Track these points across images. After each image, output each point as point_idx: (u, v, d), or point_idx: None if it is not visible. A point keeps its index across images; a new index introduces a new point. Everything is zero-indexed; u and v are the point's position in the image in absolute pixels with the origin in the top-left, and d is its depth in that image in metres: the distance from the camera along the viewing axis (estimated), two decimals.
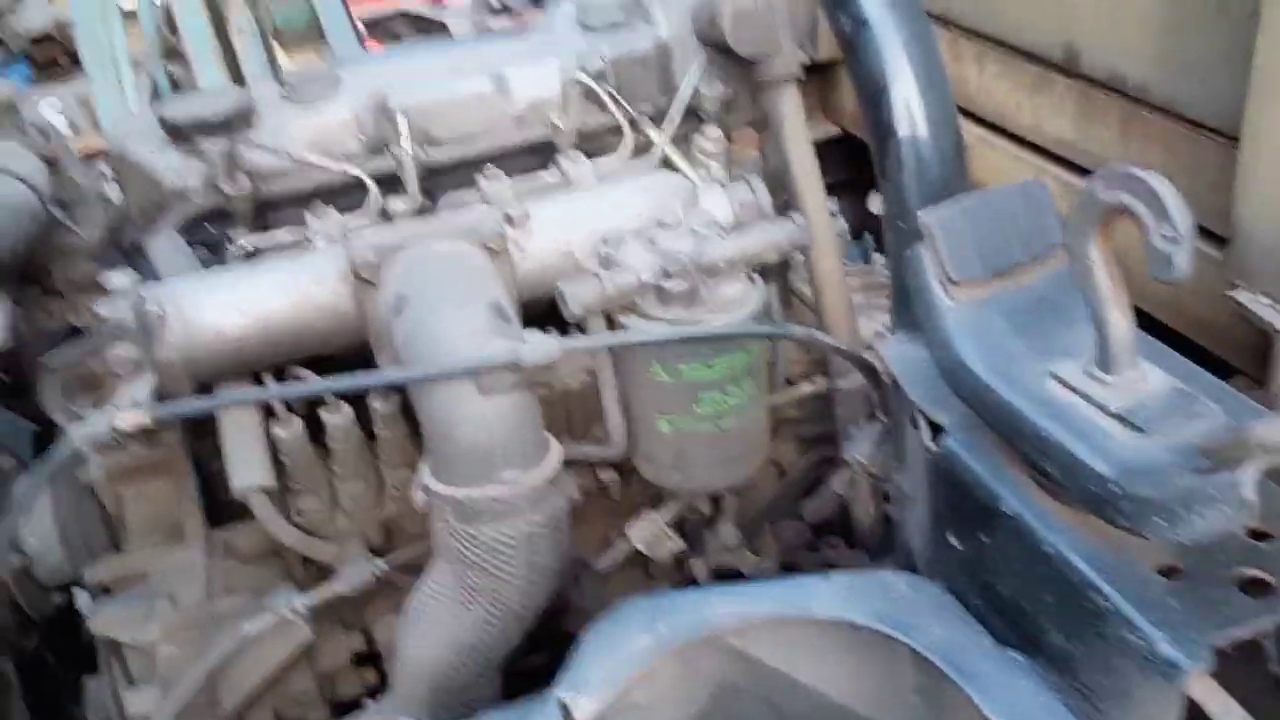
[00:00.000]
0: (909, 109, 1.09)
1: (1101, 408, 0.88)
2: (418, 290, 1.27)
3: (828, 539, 1.75)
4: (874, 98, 1.11)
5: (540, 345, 1.16)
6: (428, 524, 1.53)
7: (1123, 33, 1.58)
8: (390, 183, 1.56)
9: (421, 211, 1.52)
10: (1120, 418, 0.87)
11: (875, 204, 2.44)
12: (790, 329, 1.32)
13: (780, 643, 1.13)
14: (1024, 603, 0.96)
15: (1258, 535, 0.90)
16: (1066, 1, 1.67)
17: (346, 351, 1.40)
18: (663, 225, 1.37)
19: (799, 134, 1.64)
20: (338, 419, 1.43)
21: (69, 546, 1.62)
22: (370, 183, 1.53)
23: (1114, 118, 1.64)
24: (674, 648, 1.10)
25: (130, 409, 1.22)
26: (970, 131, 1.97)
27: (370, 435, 1.48)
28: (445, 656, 1.29)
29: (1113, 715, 0.88)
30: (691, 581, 1.63)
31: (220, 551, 1.56)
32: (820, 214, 1.64)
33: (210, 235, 1.59)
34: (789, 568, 1.73)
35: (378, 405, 1.45)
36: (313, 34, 3.98)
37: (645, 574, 1.64)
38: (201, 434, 1.54)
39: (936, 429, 1.06)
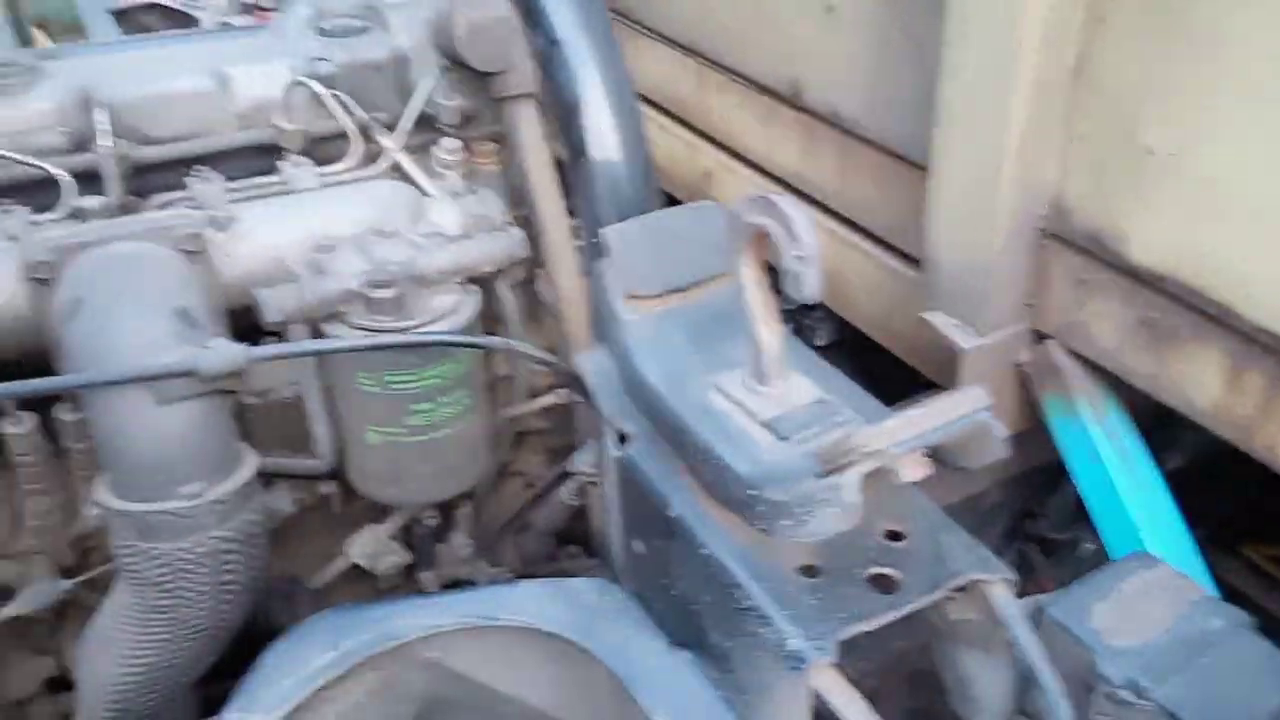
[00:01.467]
0: (600, 130, 1.12)
1: (753, 416, 0.93)
2: (93, 292, 1.19)
3: (567, 548, 1.77)
4: (566, 118, 1.13)
5: (223, 352, 1.11)
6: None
7: (838, 71, 1.69)
8: (96, 181, 1.46)
9: (124, 211, 1.43)
10: (767, 425, 0.92)
11: None
12: (490, 340, 1.32)
13: (475, 652, 1.13)
14: (691, 603, 1.00)
15: (894, 536, 0.97)
16: (792, 40, 1.77)
17: (25, 358, 1.29)
18: (379, 233, 1.35)
19: (537, 149, 1.66)
20: (19, 430, 1.32)
21: None
22: (64, 178, 1.43)
23: (833, 150, 1.75)
24: (359, 662, 1.07)
25: None
26: (713, 157, 2.06)
27: (58, 448, 1.38)
28: (130, 679, 1.22)
29: (757, 708, 0.92)
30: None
31: None
32: (558, 228, 1.66)
33: None
34: (528, 578, 1.74)
35: (64, 415, 1.35)
36: (79, 25, 3.73)
37: (374, 590, 1.60)
38: None
39: (623, 438, 1.08)
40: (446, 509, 1.57)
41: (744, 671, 0.94)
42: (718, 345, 1.04)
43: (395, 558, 1.50)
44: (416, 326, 1.26)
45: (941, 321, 1.53)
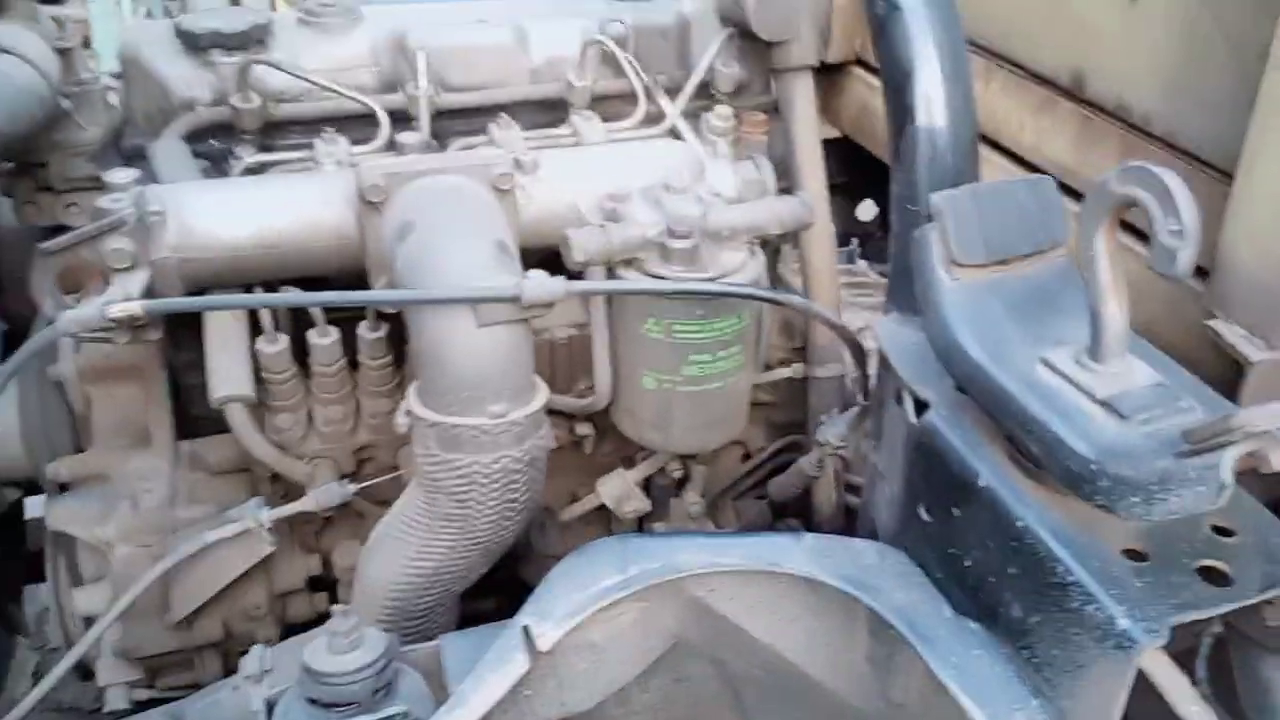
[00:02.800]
0: (930, 97, 1.12)
1: (1088, 394, 0.92)
2: (424, 218, 1.28)
3: (786, 520, 1.78)
4: (898, 83, 1.14)
5: (544, 282, 1.17)
6: (399, 456, 1.54)
7: (1133, 64, 1.62)
8: (398, 121, 1.56)
9: (430, 150, 1.52)
10: (1104, 404, 0.90)
11: (865, 211, 2.49)
12: (790, 297, 1.35)
13: (743, 596, 1.16)
14: (987, 574, 0.99)
15: (1222, 531, 0.94)
16: (1080, 29, 1.72)
17: (339, 275, 1.40)
18: (669, 188, 1.39)
19: (808, 122, 1.67)
20: (324, 342, 1.43)
21: (29, 442, 1.60)
22: (383, 114, 1.54)
23: (1114, 145, 1.69)
24: (641, 590, 1.12)
25: (123, 300, 1.21)
26: None
27: (353, 363, 1.49)
28: (408, 580, 1.30)
29: (1064, 686, 0.91)
30: None
31: (186, 462, 1.55)
32: (820, 202, 1.68)
33: (212, 149, 1.58)
34: None
35: (364, 332, 1.45)
36: None
37: (606, 532, 1.66)
38: (180, 345, 1.53)
39: (920, 406, 1.09)
40: (686, 465, 1.61)
41: (1048, 647, 0.93)
42: (1040, 320, 1.03)
43: (638, 504, 1.55)
44: (708, 280, 1.29)
45: (1229, 331, 1.46)
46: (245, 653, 1.57)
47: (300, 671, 1.05)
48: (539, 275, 1.19)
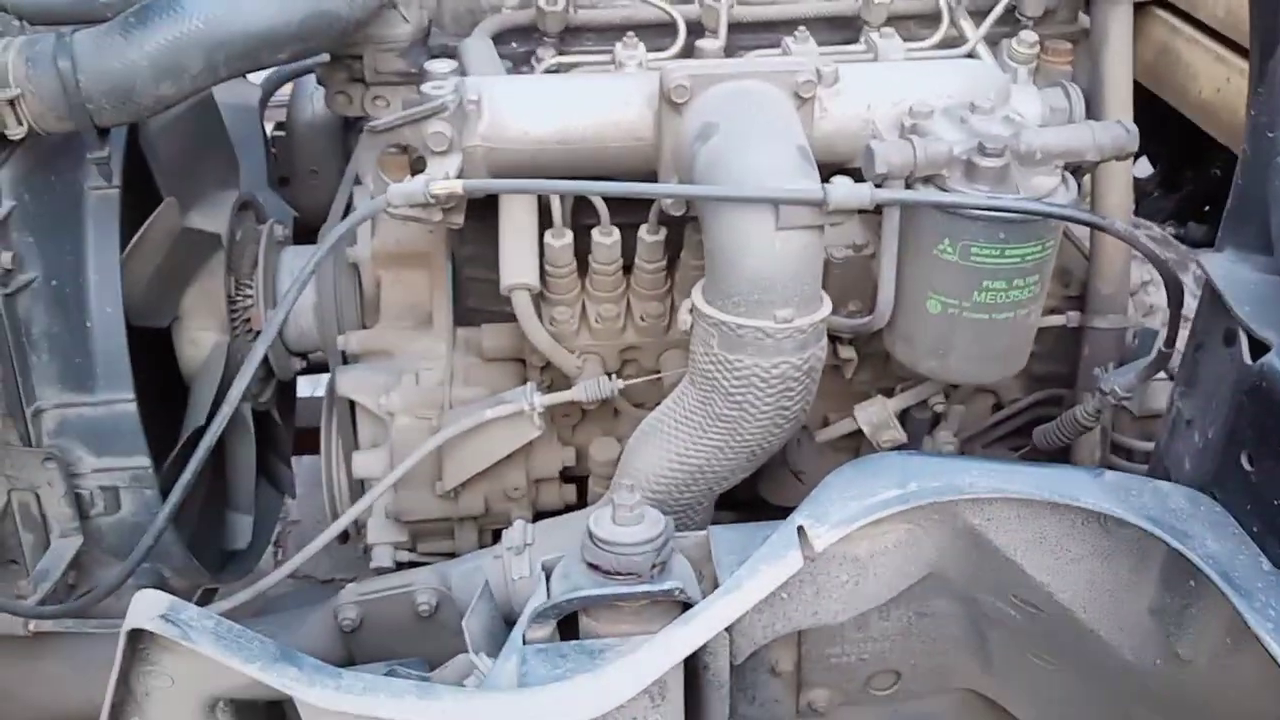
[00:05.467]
0: None
1: None
2: (727, 120, 1.28)
3: None
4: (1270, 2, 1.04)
5: (850, 188, 1.16)
6: (661, 359, 1.57)
7: None
8: (690, 32, 1.57)
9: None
10: None
11: (1139, 169, 2.31)
12: (1113, 223, 1.27)
13: (1023, 529, 1.12)
14: None
15: None
16: None
17: (629, 176, 1.43)
18: (974, 108, 1.33)
19: (1122, 56, 1.57)
20: (607, 240, 1.47)
21: (321, 316, 1.74)
22: (681, 22, 1.55)
23: None
24: (915, 509, 1.10)
25: (444, 179, 1.29)
26: None
27: (625, 267, 1.53)
28: (673, 474, 1.33)
29: None
30: None
31: (463, 347, 1.64)
32: None
33: (513, 51, 1.65)
34: None
35: (644, 235, 1.48)
36: None
37: (854, 457, 1.63)
38: (464, 239, 1.62)
39: (1258, 348, 1.00)
40: (948, 401, 1.57)
41: None
42: None
43: (895, 434, 1.52)
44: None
45: None
46: (498, 529, 1.68)
47: (584, 537, 1.10)
48: (844, 180, 1.17)
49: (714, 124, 1.28)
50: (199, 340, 1.70)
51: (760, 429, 1.26)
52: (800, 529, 1.08)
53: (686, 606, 1.09)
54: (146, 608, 1.07)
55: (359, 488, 1.70)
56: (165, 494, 1.46)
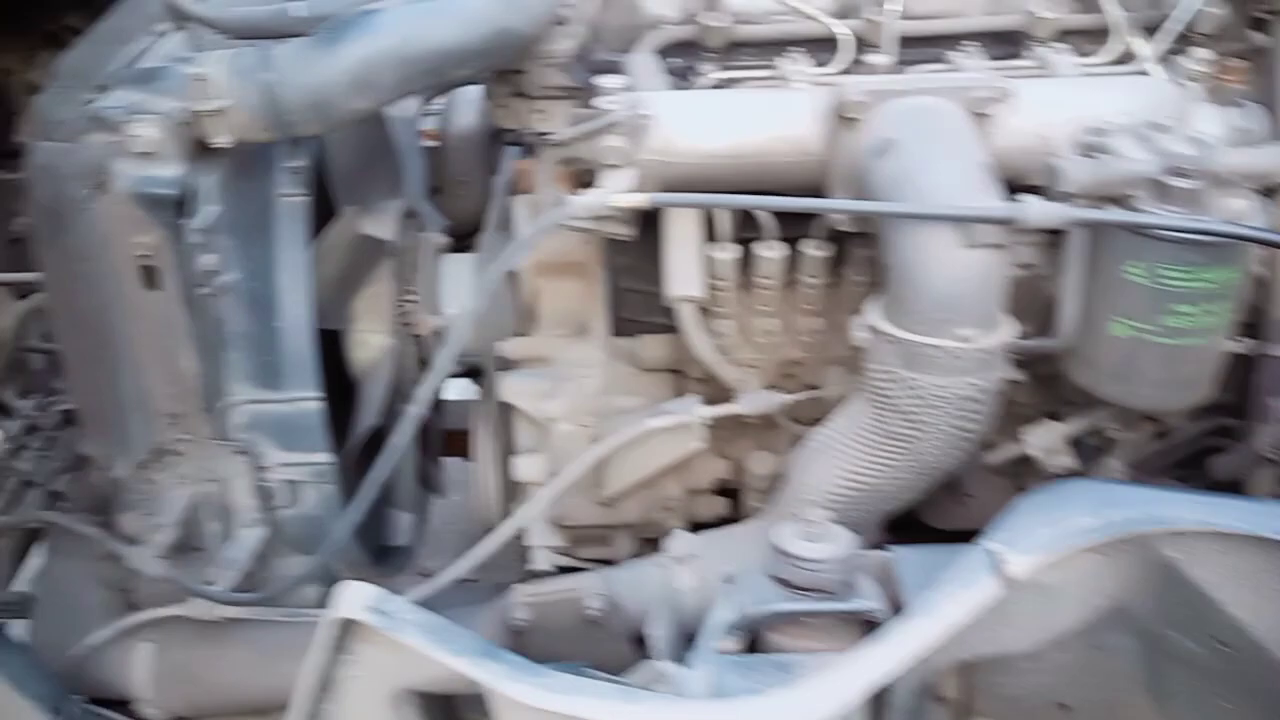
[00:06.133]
0: None
1: None
2: (907, 136, 1.29)
3: None
4: None
5: (1043, 208, 1.15)
6: (821, 375, 1.58)
7: None
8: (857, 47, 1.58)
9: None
10: None
11: None
12: None
13: (1223, 563, 1.09)
14: None
15: None
16: None
17: (795, 191, 1.44)
18: (1157, 127, 1.31)
19: None
20: (773, 255, 1.49)
21: (480, 323, 1.79)
22: (848, 38, 1.56)
23: None
24: (1114, 537, 1.08)
25: (625, 193, 1.32)
26: None
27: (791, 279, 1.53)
28: (843, 492, 1.34)
29: None
30: None
31: (618, 356, 1.68)
32: None
33: (673, 65, 1.67)
34: None
35: (810, 251, 1.49)
36: None
37: (1015, 483, 1.62)
38: (620, 250, 1.65)
39: None
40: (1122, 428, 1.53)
41: None
42: None
43: (1066, 460, 1.50)
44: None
45: None
46: (651, 537, 1.71)
47: (770, 552, 1.12)
48: (1034, 200, 1.17)
49: (893, 140, 1.29)
50: (368, 342, 1.78)
51: (937, 450, 1.26)
52: (994, 554, 1.07)
53: (871, 625, 1.10)
54: (355, 599, 1.13)
55: (513, 491, 1.75)
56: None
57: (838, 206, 1.34)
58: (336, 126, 1.43)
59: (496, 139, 2.13)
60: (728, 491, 1.69)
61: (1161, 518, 1.07)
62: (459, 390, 2.38)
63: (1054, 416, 1.52)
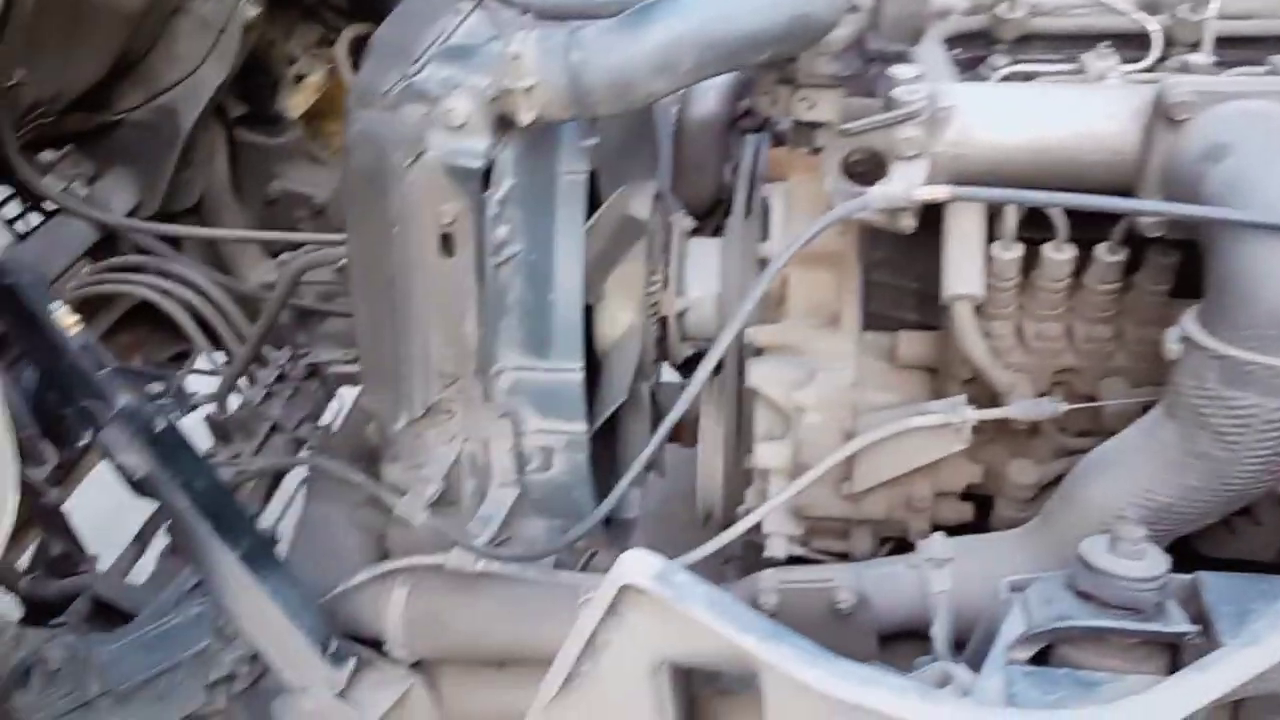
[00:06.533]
0: None
1: None
2: (1244, 141, 1.21)
3: None
4: None
5: None
6: (1099, 385, 1.51)
7: None
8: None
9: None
10: None
11: None
12: None
13: None
14: None
15: None
16: None
17: (1098, 191, 1.37)
18: None
19: None
20: (1060, 257, 1.43)
21: (721, 306, 1.80)
22: (1157, 34, 1.48)
23: None
24: None
25: (927, 186, 1.30)
26: None
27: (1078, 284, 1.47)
28: (1133, 509, 1.27)
29: None
30: None
31: (871, 351, 1.65)
32: None
33: (958, 57, 1.63)
34: None
35: (1102, 254, 1.43)
36: None
37: None
38: (875, 244, 1.62)
39: None
40: None
41: None
42: None
43: None
44: None
45: None
46: (890, 537, 1.68)
47: (1076, 565, 1.07)
48: None
49: (1227, 145, 1.21)
50: (617, 320, 1.81)
51: (1249, 473, 1.18)
52: None
53: (1174, 650, 1.05)
54: (639, 566, 1.15)
55: (741, 478, 1.75)
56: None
57: (1162, 209, 1.27)
58: (634, 107, 1.45)
59: (734, 125, 2.14)
60: (974, 498, 1.64)
61: None
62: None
63: None
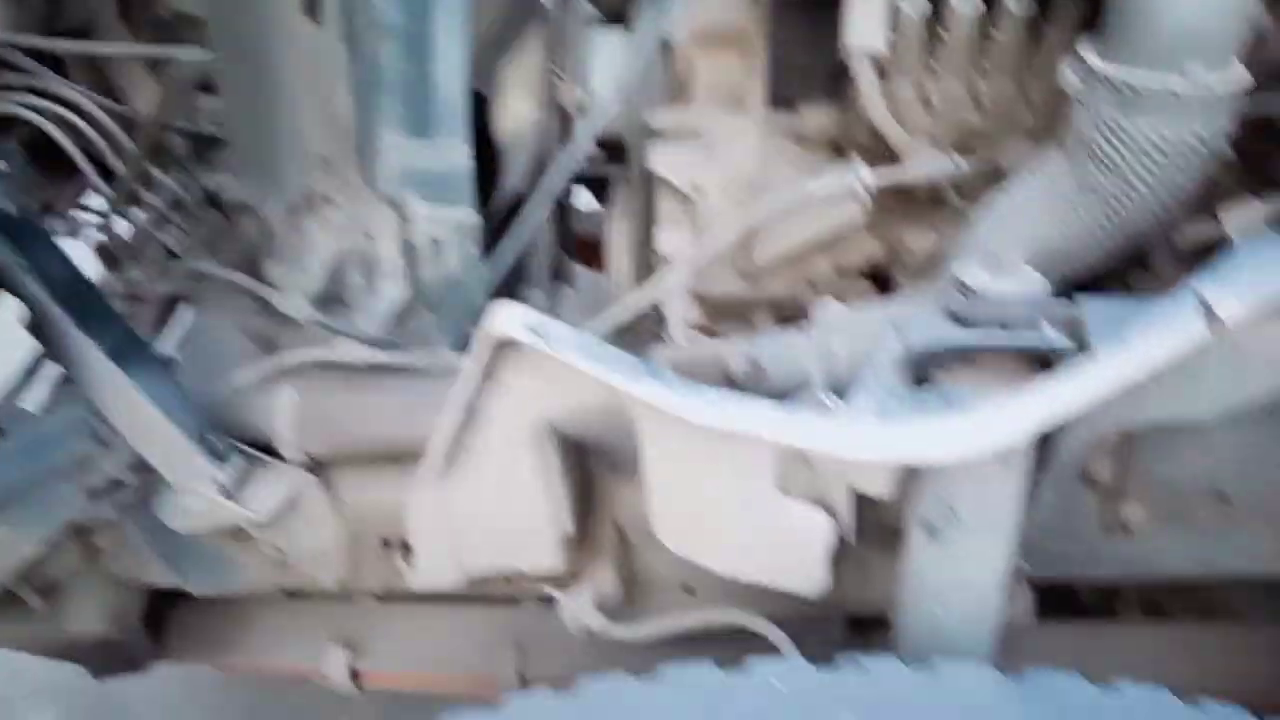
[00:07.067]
0: None
1: None
2: None
3: None
4: None
5: None
6: (1003, 149, 1.45)
7: None
8: None
9: None
10: None
11: None
12: None
13: None
14: None
15: None
16: None
17: None
18: None
19: None
20: (965, 8, 1.36)
21: (627, 98, 1.71)
22: None
23: None
24: None
25: None
26: None
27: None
28: (1025, 256, 1.24)
29: None
30: None
31: (775, 130, 1.59)
32: None
33: None
34: None
35: (1011, 6, 1.36)
36: None
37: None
38: (784, 20, 1.54)
39: None
40: None
41: None
42: None
43: None
44: None
45: None
46: (793, 318, 1.64)
47: (947, 286, 1.04)
48: None
49: None
50: (516, 113, 1.72)
51: (1142, 210, 1.15)
52: (1204, 298, 0.97)
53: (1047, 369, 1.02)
54: (510, 318, 1.10)
55: (649, 269, 1.70)
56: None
57: None
58: None
59: None
60: (877, 278, 1.60)
61: None
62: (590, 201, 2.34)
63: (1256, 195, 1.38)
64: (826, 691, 0.91)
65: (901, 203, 1.52)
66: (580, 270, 2.23)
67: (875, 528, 1.13)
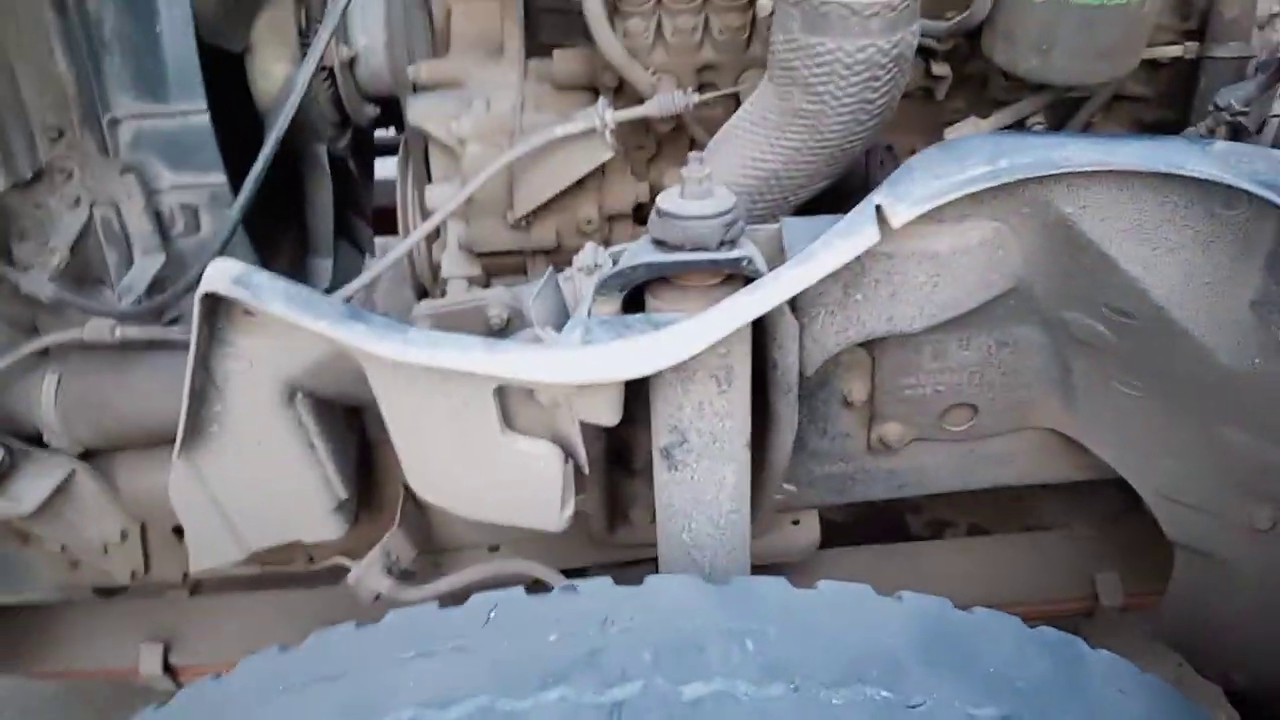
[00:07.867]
0: None
1: None
2: None
3: None
4: None
5: None
6: (740, 79, 1.49)
7: None
8: None
9: None
10: None
11: None
12: None
13: (1118, 216, 1.04)
14: None
15: None
16: None
17: None
18: None
19: None
20: None
21: (393, 53, 1.69)
22: None
23: None
24: (1008, 197, 1.03)
25: None
26: None
27: None
28: (748, 181, 1.28)
29: None
30: None
31: (534, 75, 1.59)
32: None
33: None
34: None
35: None
36: None
37: None
38: None
39: None
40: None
41: None
42: None
43: None
44: None
45: None
46: (566, 265, 1.66)
47: (652, 215, 1.06)
48: None
49: None
50: (271, 72, 1.68)
51: (841, 124, 1.19)
52: (878, 208, 1.02)
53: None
54: (220, 273, 1.08)
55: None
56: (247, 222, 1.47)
57: None
58: None
59: None
60: (646, 220, 1.62)
61: (1056, 160, 1.01)
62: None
63: (982, 117, 1.45)
64: (534, 613, 0.93)
65: (657, 144, 1.53)
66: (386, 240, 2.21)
67: None
